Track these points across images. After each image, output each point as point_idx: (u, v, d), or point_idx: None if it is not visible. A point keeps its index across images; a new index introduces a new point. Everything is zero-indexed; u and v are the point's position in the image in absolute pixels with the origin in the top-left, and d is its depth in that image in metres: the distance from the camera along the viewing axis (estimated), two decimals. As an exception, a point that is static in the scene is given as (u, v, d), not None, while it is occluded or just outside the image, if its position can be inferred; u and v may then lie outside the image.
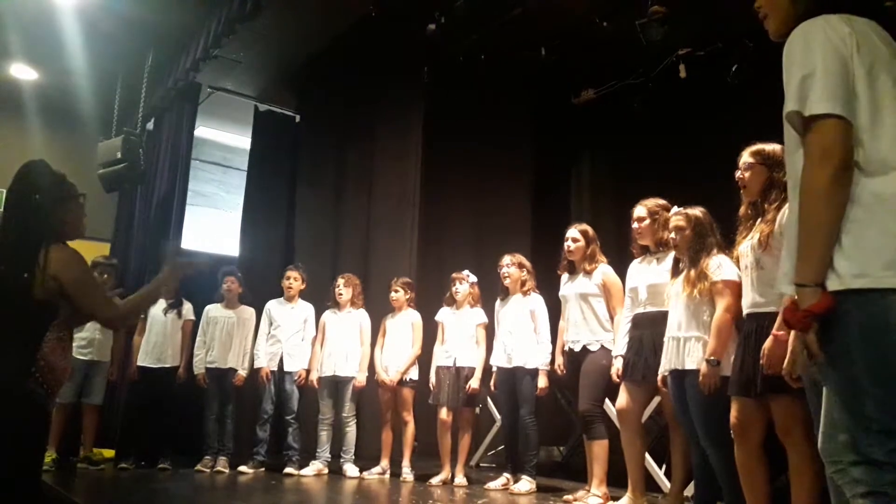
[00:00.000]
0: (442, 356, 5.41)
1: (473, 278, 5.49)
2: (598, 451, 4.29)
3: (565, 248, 4.63)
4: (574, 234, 4.63)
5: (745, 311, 3.10)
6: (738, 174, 3.12)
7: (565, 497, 4.41)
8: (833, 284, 1.51)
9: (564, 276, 4.71)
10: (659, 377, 3.71)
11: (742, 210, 3.18)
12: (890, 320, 1.46)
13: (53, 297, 2.25)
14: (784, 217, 2.83)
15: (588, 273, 4.55)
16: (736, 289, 3.31)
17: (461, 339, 5.36)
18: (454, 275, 5.52)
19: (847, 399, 1.50)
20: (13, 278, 2.23)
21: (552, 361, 4.84)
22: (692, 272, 3.53)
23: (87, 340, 5.63)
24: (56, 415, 5.19)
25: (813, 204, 1.55)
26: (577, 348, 4.47)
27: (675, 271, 3.74)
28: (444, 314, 5.52)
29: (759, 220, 3.04)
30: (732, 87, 6.16)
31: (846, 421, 1.49)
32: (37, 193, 2.34)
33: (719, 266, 3.45)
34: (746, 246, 3.07)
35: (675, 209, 3.76)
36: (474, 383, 5.21)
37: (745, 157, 3.10)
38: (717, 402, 3.34)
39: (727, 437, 3.50)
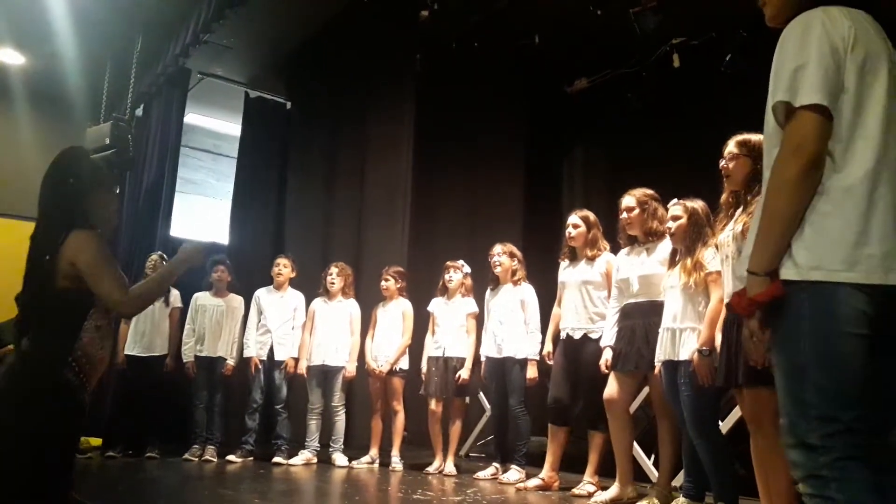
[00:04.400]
0: (432, 347, 5.39)
1: (467, 269, 5.46)
2: (601, 441, 4.29)
3: (566, 234, 4.60)
4: (575, 220, 4.59)
5: (725, 301, 3.10)
6: (722, 163, 3.13)
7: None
8: (790, 273, 1.54)
9: (564, 262, 4.66)
10: (656, 368, 3.69)
11: (723, 198, 3.19)
12: (839, 312, 1.49)
13: (79, 284, 2.22)
14: None
15: (591, 260, 4.51)
16: None
17: (451, 328, 5.33)
18: (448, 263, 5.49)
19: (790, 384, 1.54)
20: (38, 264, 2.24)
21: (542, 350, 4.83)
22: (688, 262, 3.53)
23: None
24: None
25: (777, 194, 1.57)
26: (577, 336, 4.44)
27: (672, 262, 3.72)
28: (435, 304, 5.49)
29: (741, 210, 3.04)
30: (726, 76, 6.14)
31: (787, 405, 1.54)
32: (71, 178, 2.35)
33: (714, 257, 3.44)
34: (727, 235, 3.07)
35: (674, 200, 3.76)
36: (464, 374, 5.20)
37: (731, 147, 3.11)
38: (708, 394, 3.34)
39: (715, 429, 3.51)
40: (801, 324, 1.53)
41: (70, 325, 2.24)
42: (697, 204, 3.64)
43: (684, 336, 3.50)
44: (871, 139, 1.56)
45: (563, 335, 4.53)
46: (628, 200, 4.12)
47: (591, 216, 4.60)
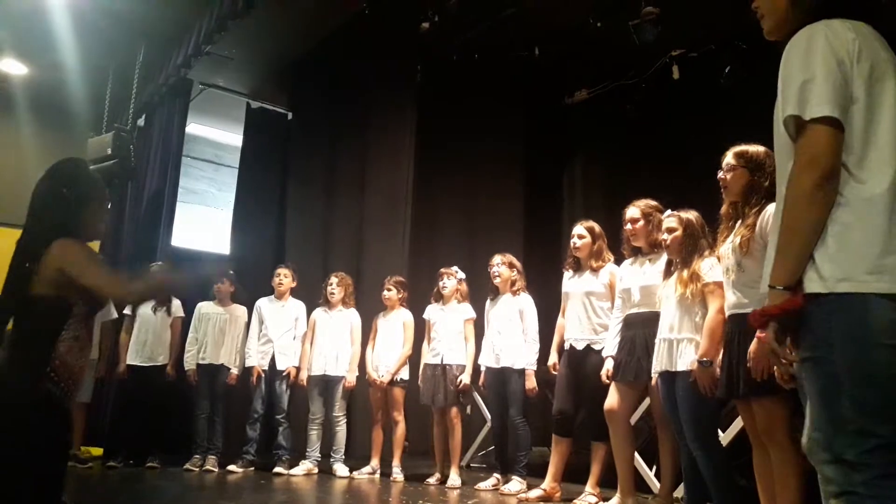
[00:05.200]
0: (429, 354, 5.40)
1: (461, 274, 5.48)
2: (604, 453, 4.29)
3: (571, 244, 4.60)
4: (580, 231, 4.60)
5: (727, 313, 3.11)
6: (720, 174, 3.14)
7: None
8: (816, 286, 1.53)
9: (569, 273, 4.66)
10: (653, 379, 3.71)
11: (724, 209, 3.20)
12: (871, 323, 1.48)
13: (59, 292, 2.21)
14: (764, 220, 2.87)
15: (595, 271, 4.51)
16: None
17: (448, 335, 5.33)
18: (442, 270, 5.51)
19: (824, 399, 1.52)
20: (19, 269, 2.23)
21: (543, 360, 4.83)
22: (684, 273, 3.54)
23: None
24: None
25: (794, 209, 1.57)
26: (580, 346, 4.44)
27: (667, 273, 3.74)
28: (431, 311, 5.50)
29: (740, 222, 3.06)
30: (725, 88, 6.17)
31: (822, 420, 1.52)
32: (66, 189, 2.35)
33: (711, 268, 3.45)
34: (727, 248, 3.09)
35: (668, 212, 3.77)
36: (465, 379, 5.20)
37: (728, 159, 3.12)
38: (707, 404, 3.35)
39: (714, 440, 3.51)
40: (831, 337, 1.51)
41: (46, 334, 2.22)
42: (692, 215, 3.65)
43: (681, 346, 3.50)
44: (885, 148, 1.56)
45: (566, 346, 4.53)
46: (633, 212, 4.13)
47: (597, 227, 4.62)
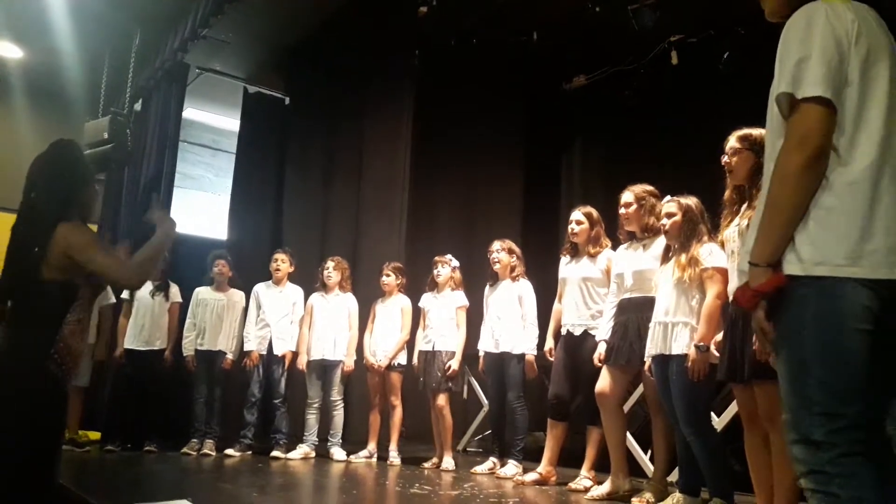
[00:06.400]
0: (422, 341, 5.42)
1: (455, 262, 5.49)
2: (599, 437, 4.31)
3: (569, 230, 4.61)
4: (578, 217, 4.60)
5: (731, 297, 3.12)
6: (724, 158, 3.14)
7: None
8: (794, 269, 1.54)
9: (566, 258, 4.67)
10: (646, 364, 3.72)
11: (727, 194, 3.20)
12: (843, 308, 1.49)
13: (68, 276, 2.24)
14: None
15: (592, 256, 4.52)
16: (727, 276, 3.32)
17: (440, 322, 5.36)
18: (437, 258, 5.53)
19: (793, 380, 1.53)
20: (26, 255, 2.24)
21: (541, 345, 4.85)
22: (682, 258, 3.54)
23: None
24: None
25: (781, 187, 1.56)
26: (577, 332, 4.45)
27: (665, 258, 3.74)
28: (426, 299, 5.52)
29: (746, 205, 3.05)
30: (724, 74, 6.15)
31: (790, 401, 1.53)
32: (65, 172, 2.36)
33: (710, 253, 3.47)
34: (732, 231, 3.09)
35: (668, 197, 3.78)
36: (454, 364, 5.21)
37: (732, 142, 3.11)
38: (701, 389, 3.36)
39: (708, 424, 3.53)
40: (804, 319, 1.52)
41: (53, 317, 2.24)
42: (692, 200, 3.66)
43: (676, 330, 3.52)
44: (874, 133, 1.55)
45: (563, 331, 4.55)
46: (627, 196, 4.14)
47: (595, 213, 4.62)
